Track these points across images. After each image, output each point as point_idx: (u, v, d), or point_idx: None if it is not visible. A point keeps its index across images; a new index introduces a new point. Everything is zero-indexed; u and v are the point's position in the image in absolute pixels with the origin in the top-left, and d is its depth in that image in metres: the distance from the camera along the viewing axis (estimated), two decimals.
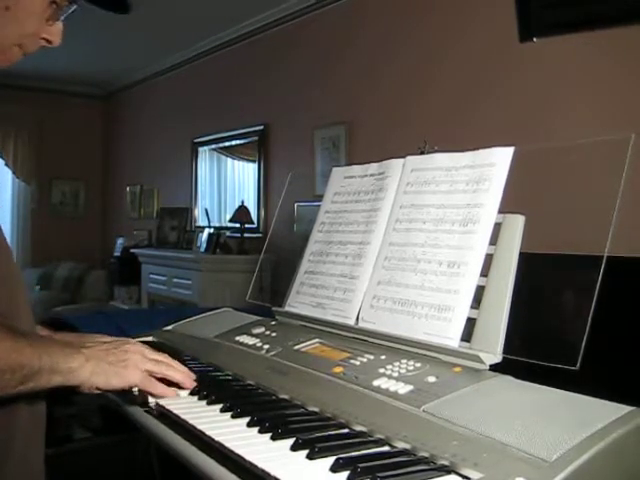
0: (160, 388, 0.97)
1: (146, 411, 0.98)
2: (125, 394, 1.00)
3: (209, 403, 0.94)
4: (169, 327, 1.46)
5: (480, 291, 0.98)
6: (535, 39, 2.74)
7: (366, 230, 1.22)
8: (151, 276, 5.07)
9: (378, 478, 0.65)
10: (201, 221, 5.30)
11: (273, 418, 0.84)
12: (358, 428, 0.81)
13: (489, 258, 0.99)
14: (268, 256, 3.63)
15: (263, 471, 0.68)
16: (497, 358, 0.92)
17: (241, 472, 0.72)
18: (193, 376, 1.02)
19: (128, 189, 6.56)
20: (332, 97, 3.96)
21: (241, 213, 4.46)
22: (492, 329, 0.94)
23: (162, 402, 0.96)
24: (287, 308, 1.33)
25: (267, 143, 4.58)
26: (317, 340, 1.15)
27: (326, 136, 3.95)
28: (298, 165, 4.19)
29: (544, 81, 2.73)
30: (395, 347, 1.04)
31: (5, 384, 0.81)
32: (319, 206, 1.39)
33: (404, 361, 0.97)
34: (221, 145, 5.21)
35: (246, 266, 4.07)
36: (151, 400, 0.98)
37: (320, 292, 1.26)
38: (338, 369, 1.00)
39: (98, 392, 0.93)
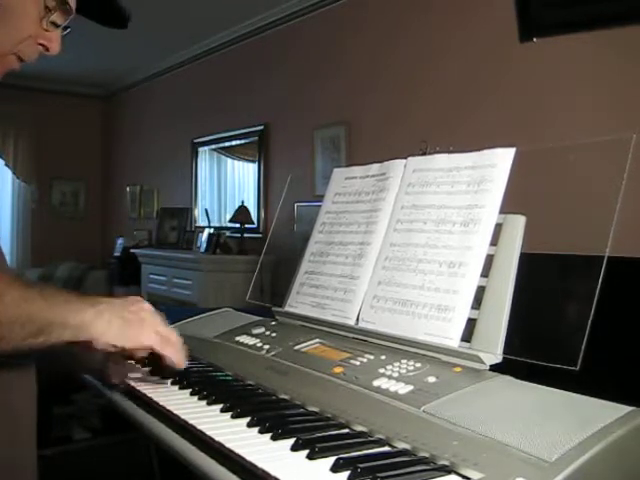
0: (178, 352, 0.94)
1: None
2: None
3: (209, 403, 0.94)
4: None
5: (481, 291, 0.98)
6: (535, 39, 2.74)
7: (367, 230, 1.22)
8: (151, 276, 5.07)
9: (378, 478, 0.64)
10: (201, 221, 5.30)
11: (273, 418, 0.84)
12: (358, 428, 0.81)
13: (490, 258, 0.99)
14: (268, 256, 3.63)
15: (263, 471, 0.68)
16: (497, 358, 0.92)
17: (241, 472, 0.72)
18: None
19: (128, 189, 6.56)
20: (332, 97, 3.96)
21: (241, 213, 4.46)
22: (492, 329, 0.94)
23: (162, 402, 0.95)
24: (287, 308, 1.33)
25: (267, 143, 4.58)
26: (317, 340, 1.15)
27: (326, 136, 3.95)
28: (298, 165, 4.19)
29: (544, 81, 2.73)
30: (395, 347, 1.04)
31: (14, 336, 0.78)
32: (319, 206, 1.39)
33: (404, 361, 0.97)
34: (221, 145, 5.21)
35: (246, 266, 4.06)
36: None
37: (320, 292, 1.26)
38: (338, 369, 1.00)
39: (113, 349, 0.89)
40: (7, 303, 0.77)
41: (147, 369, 1.11)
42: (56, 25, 0.92)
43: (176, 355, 0.95)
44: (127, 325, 0.88)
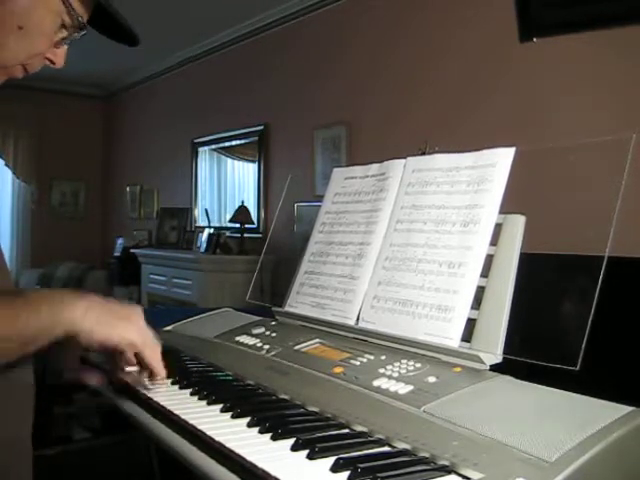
0: (157, 354, 0.94)
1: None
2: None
3: (209, 403, 0.94)
4: (169, 327, 1.46)
5: (480, 291, 0.98)
6: (535, 39, 2.74)
7: (367, 231, 1.22)
8: (151, 276, 5.07)
9: (378, 478, 0.64)
10: (201, 221, 5.30)
11: (273, 418, 0.84)
12: (358, 428, 0.81)
13: (489, 258, 0.99)
14: (268, 256, 3.63)
15: (263, 471, 0.68)
16: (497, 358, 0.92)
17: (241, 472, 0.72)
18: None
19: (128, 189, 6.56)
20: (332, 97, 3.96)
21: (241, 213, 4.46)
22: (492, 329, 0.94)
23: (162, 402, 0.95)
24: (287, 308, 1.33)
25: (267, 143, 4.58)
26: (317, 340, 1.15)
27: (326, 136, 3.95)
28: (298, 165, 4.19)
29: (544, 81, 2.73)
30: (395, 347, 1.04)
31: (6, 352, 0.81)
32: (319, 206, 1.39)
33: (404, 361, 0.97)
34: (221, 145, 5.21)
35: (246, 266, 4.07)
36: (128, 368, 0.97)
37: (320, 292, 1.26)
38: (338, 369, 1.00)
39: (95, 346, 0.89)
40: None
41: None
42: (66, 41, 0.94)
43: (155, 360, 0.94)
44: (113, 320, 0.89)
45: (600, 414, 0.71)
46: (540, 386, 0.83)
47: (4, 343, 0.79)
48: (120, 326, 0.89)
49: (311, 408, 0.90)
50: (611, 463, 0.67)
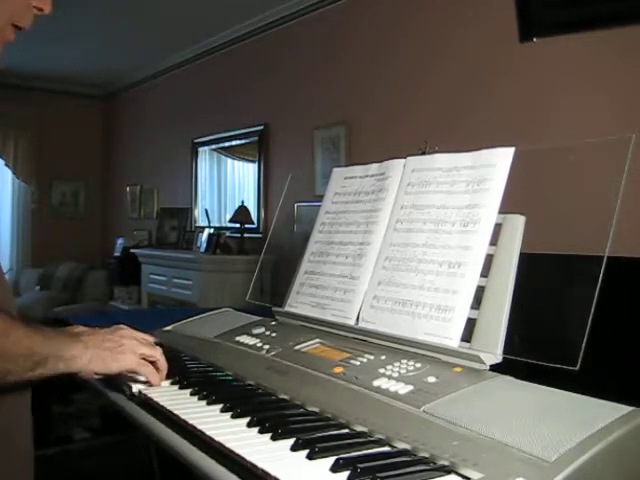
0: (155, 373, 1.02)
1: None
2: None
3: (209, 403, 0.94)
4: (169, 327, 1.46)
5: (480, 291, 0.98)
6: (535, 39, 2.74)
7: (366, 230, 1.22)
8: (151, 276, 5.07)
9: (378, 478, 0.64)
10: (201, 221, 5.30)
11: (273, 418, 0.84)
12: (358, 428, 0.81)
13: (489, 258, 0.99)
14: (268, 256, 3.63)
15: (263, 471, 0.68)
16: (497, 358, 0.92)
17: (241, 472, 0.72)
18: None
19: (128, 189, 6.56)
20: (332, 97, 3.96)
21: (241, 213, 4.46)
22: (492, 329, 0.94)
23: (162, 402, 0.96)
24: (287, 308, 1.33)
25: (267, 143, 4.58)
26: (317, 340, 1.15)
27: (326, 136, 3.95)
28: (298, 165, 4.19)
29: (544, 81, 2.73)
30: (395, 347, 1.04)
31: (18, 370, 0.85)
32: (319, 206, 1.39)
33: (404, 361, 0.97)
34: (221, 145, 5.21)
35: (246, 266, 4.07)
36: (134, 388, 1.02)
37: (320, 292, 1.26)
38: (338, 369, 1.00)
39: (97, 377, 0.97)
40: (13, 341, 0.84)
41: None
42: None
43: (152, 376, 1.02)
44: (109, 355, 0.96)
45: (600, 414, 0.71)
46: (540, 386, 0.83)
47: (18, 360, 0.84)
48: (115, 359, 0.96)
49: (311, 408, 0.90)
50: (611, 463, 0.67)
